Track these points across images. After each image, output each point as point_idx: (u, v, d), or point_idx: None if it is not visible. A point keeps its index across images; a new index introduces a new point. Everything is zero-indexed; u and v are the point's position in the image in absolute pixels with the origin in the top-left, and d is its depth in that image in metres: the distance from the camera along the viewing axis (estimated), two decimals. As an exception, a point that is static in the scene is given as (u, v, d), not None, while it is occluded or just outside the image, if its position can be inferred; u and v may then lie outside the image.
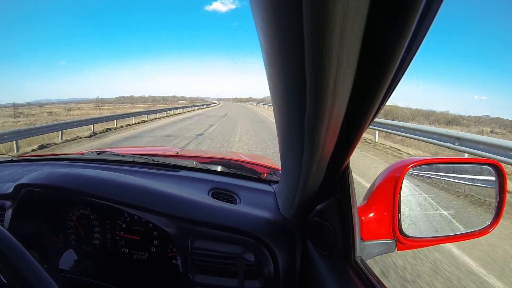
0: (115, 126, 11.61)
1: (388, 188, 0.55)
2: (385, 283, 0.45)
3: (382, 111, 0.32)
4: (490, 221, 0.60)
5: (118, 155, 1.08)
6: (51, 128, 8.18)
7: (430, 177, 0.66)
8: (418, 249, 1.97)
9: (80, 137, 8.79)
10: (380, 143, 7.34)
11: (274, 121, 0.37)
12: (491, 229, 0.60)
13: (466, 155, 4.63)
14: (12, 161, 1.13)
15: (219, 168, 1.00)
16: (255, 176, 0.94)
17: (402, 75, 0.25)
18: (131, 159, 1.01)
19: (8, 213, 0.72)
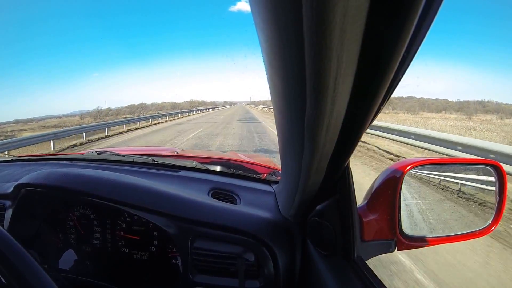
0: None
1: (388, 188, 0.55)
2: (385, 283, 0.45)
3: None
4: (490, 221, 0.60)
5: (118, 155, 1.08)
6: None
7: (430, 177, 0.66)
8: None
9: None
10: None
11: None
12: (491, 229, 0.60)
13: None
14: (12, 161, 1.13)
15: (219, 168, 1.00)
16: (255, 176, 0.94)
17: (402, 75, 0.25)
18: (131, 159, 1.01)
19: (8, 213, 0.72)
